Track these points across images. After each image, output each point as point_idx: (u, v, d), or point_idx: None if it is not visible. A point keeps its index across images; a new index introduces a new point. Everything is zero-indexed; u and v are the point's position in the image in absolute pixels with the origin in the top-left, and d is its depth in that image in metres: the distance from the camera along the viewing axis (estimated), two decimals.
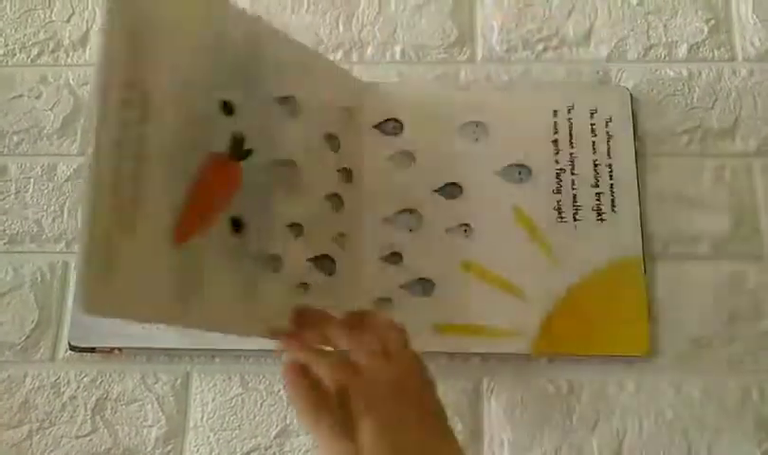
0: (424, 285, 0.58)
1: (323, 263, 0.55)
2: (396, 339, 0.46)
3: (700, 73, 0.65)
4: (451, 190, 0.60)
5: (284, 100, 0.54)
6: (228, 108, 0.50)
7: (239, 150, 0.50)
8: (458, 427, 0.56)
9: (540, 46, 0.66)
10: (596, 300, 0.58)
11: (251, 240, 0.49)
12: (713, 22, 0.66)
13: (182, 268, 0.45)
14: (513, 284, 0.58)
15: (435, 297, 0.58)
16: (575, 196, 0.60)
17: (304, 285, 0.52)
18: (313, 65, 0.58)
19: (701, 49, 0.66)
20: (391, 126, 0.62)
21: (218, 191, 0.49)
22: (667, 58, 0.66)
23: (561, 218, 0.60)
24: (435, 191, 0.60)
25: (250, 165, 0.50)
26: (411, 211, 0.60)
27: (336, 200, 0.57)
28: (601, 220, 0.60)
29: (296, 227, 0.52)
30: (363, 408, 0.42)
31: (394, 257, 0.59)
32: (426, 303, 0.58)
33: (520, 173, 0.61)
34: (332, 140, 0.57)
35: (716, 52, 0.66)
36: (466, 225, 0.59)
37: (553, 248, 0.59)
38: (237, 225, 0.49)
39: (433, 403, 0.46)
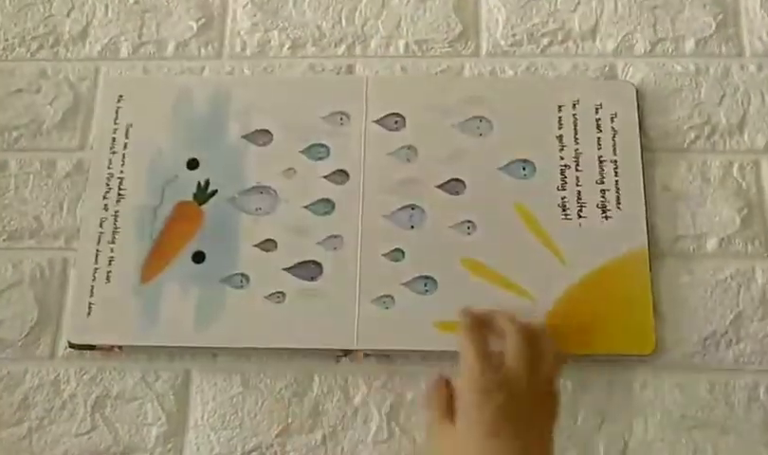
0: (426, 282, 0.57)
1: (304, 269, 0.58)
2: (551, 365, 0.50)
3: (707, 68, 0.64)
4: (454, 185, 0.60)
5: (255, 134, 0.62)
6: (193, 163, 0.61)
7: (203, 195, 0.60)
8: None
9: (546, 41, 0.66)
10: (601, 298, 0.57)
11: (214, 266, 0.58)
12: (721, 16, 0.66)
13: (147, 300, 0.57)
14: (516, 283, 0.57)
15: (437, 294, 0.57)
16: (579, 193, 0.60)
17: (279, 294, 0.57)
18: (294, 88, 0.64)
19: (708, 44, 0.65)
20: (392, 121, 0.62)
21: (182, 234, 0.59)
22: (674, 53, 0.65)
23: (566, 215, 0.59)
24: (438, 186, 0.60)
25: (215, 202, 0.60)
26: (412, 207, 0.59)
27: (323, 206, 0.59)
28: (606, 217, 0.59)
29: (268, 243, 0.58)
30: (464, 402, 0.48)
31: (396, 253, 0.58)
32: (427, 301, 0.57)
33: (524, 169, 0.60)
34: (318, 150, 0.60)
35: (724, 47, 0.65)
36: (469, 221, 0.59)
37: (557, 246, 0.58)
38: (198, 257, 0.59)
39: (542, 435, 0.48)
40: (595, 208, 0.59)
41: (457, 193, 0.60)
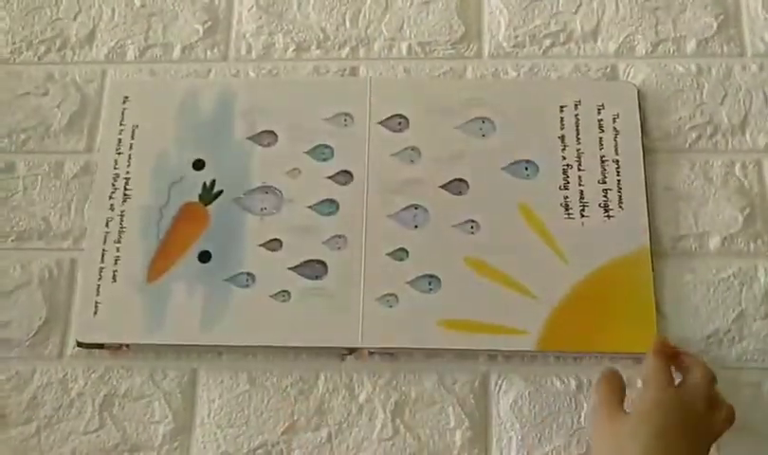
0: (430, 281, 0.58)
1: (309, 268, 0.58)
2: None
3: (709, 69, 0.65)
4: (458, 185, 0.60)
5: (260, 135, 0.62)
6: (199, 164, 0.62)
7: (208, 195, 0.61)
8: (465, 423, 0.56)
9: (548, 42, 0.66)
10: (604, 297, 0.57)
11: (220, 265, 0.59)
12: (722, 17, 0.66)
13: (153, 299, 0.58)
14: (519, 281, 0.58)
15: (441, 293, 0.58)
16: (582, 192, 0.60)
17: (285, 293, 0.57)
18: (299, 89, 0.64)
19: (710, 45, 0.65)
20: (396, 122, 0.62)
21: (188, 234, 0.60)
22: (675, 53, 0.65)
23: (568, 214, 0.59)
24: (441, 186, 0.60)
25: (221, 202, 0.60)
26: (416, 207, 0.60)
27: (327, 206, 0.60)
28: (608, 216, 0.59)
29: (273, 243, 0.59)
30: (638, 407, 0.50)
31: (400, 253, 0.59)
32: (431, 299, 0.57)
33: (526, 169, 0.61)
34: (322, 151, 0.61)
35: (725, 47, 0.65)
36: (473, 221, 0.59)
37: (560, 245, 0.59)
38: (204, 257, 0.59)
39: None
40: (598, 207, 0.60)
41: (460, 193, 0.60)
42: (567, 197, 0.60)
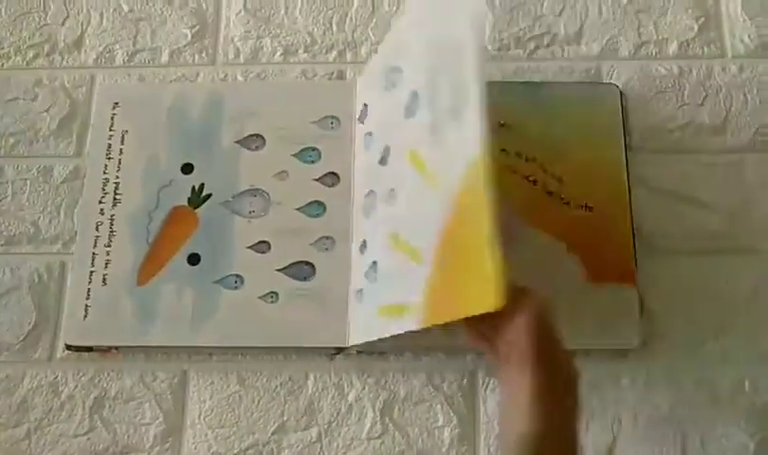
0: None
1: (297, 269, 0.59)
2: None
3: (690, 70, 0.66)
4: None
5: (248, 139, 0.62)
6: (188, 168, 0.62)
7: (197, 199, 0.61)
8: (453, 421, 0.57)
9: (532, 45, 0.67)
10: (455, 244, 0.44)
11: (208, 267, 0.59)
12: (703, 19, 0.67)
13: (143, 301, 0.58)
14: (413, 248, 0.48)
15: None
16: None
17: (273, 294, 0.58)
18: (286, 93, 0.65)
19: (691, 46, 0.66)
20: None
21: (177, 237, 0.60)
22: (657, 55, 0.66)
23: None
24: None
25: (210, 205, 0.60)
26: None
27: (314, 208, 0.60)
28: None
29: (261, 245, 0.59)
30: None
31: None
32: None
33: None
34: (309, 154, 0.62)
35: (706, 49, 0.66)
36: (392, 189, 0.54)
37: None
38: (193, 259, 0.59)
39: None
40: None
41: None
42: None
